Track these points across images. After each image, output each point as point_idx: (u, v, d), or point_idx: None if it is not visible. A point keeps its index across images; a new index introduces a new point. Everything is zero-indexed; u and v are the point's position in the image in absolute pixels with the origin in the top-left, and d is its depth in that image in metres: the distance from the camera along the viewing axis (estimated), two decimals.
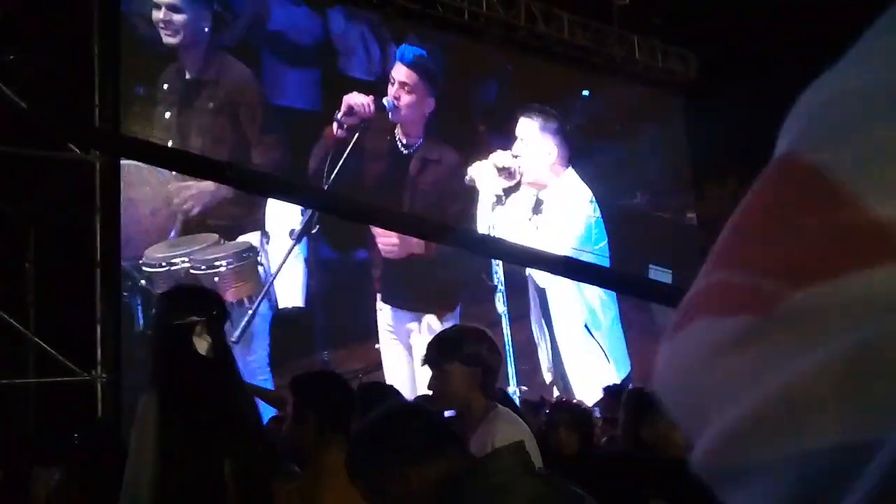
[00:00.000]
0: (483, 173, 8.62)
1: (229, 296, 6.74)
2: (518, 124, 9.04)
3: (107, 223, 6.88)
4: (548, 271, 5.17)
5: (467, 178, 8.62)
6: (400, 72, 8.40)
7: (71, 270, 6.96)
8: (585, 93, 10.24)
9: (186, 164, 1.99)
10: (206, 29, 7.73)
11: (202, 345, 2.49)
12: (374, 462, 1.70)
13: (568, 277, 7.65)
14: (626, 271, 7.69)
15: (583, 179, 9.28)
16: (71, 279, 6.99)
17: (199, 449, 2.27)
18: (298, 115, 8.18)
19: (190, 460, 2.24)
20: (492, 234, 7.83)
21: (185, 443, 2.26)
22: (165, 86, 7.53)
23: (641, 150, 10.02)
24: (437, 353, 2.78)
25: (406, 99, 8.32)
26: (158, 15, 7.41)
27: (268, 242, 7.42)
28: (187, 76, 7.64)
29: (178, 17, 7.48)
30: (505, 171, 8.67)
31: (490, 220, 8.53)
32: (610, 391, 5.98)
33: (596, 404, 6.35)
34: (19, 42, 6.79)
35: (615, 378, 8.49)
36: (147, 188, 7.17)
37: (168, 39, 7.47)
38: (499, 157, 8.75)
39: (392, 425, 1.78)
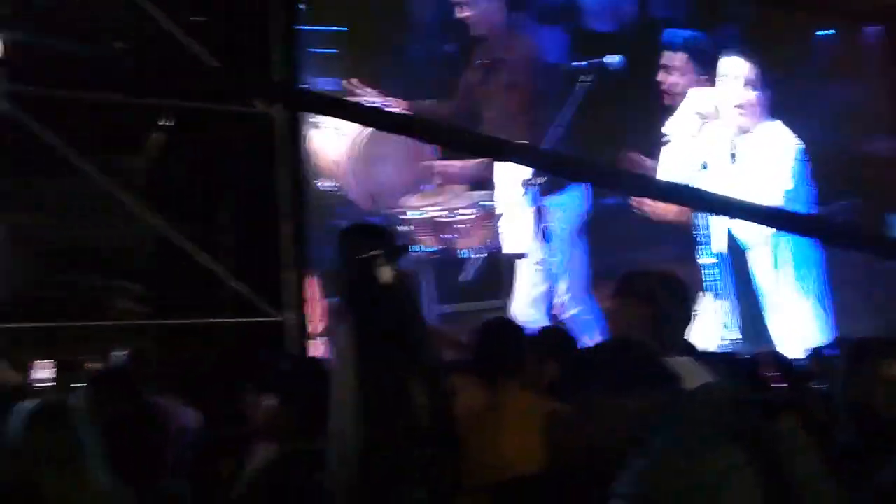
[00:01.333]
0: (682, 118, 8.22)
1: (469, 242, 7.41)
2: (721, 64, 8.43)
3: (291, 172, 7.34)
4: (757, 223, 4.98)
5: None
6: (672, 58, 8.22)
7: (263, 218, 7.48)
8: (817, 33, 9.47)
9: (367, 117, 2.07)
10: None
11: (385, 275, 2.67)
12: (589, 390, 1.77)
13: (781, 230, 7.27)
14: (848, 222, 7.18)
15: (796, 126, 8.50)
16: (263, 227, 7.51)
17: (393, 370, 2.44)
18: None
19: (385, 381, 2.42)
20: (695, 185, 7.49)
21: (379, 364, 2.45)
22: None
23: (861, 97, 9.19)
24: (618, 285, 2.81)
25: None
26: None
27: (500, 191, 7.67)
28: None
29: None
30: (704, 115, 8.19)
31: (690, 168, 8.15)
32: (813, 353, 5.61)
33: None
34: (210, 3, 7.30)
35: (817, 340, 7.84)
36: (395, 144, 7.74)
37: None
38: (699, 99, 8.23)
39: (609, 356, 1.85)
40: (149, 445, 3.36)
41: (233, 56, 7.09)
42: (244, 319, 7.48)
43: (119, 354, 6.24)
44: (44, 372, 6.01)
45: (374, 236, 2.96)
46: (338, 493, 2.46)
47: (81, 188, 7.13)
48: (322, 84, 8.16)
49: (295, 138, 7.36)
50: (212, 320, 7.51)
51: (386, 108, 7.40)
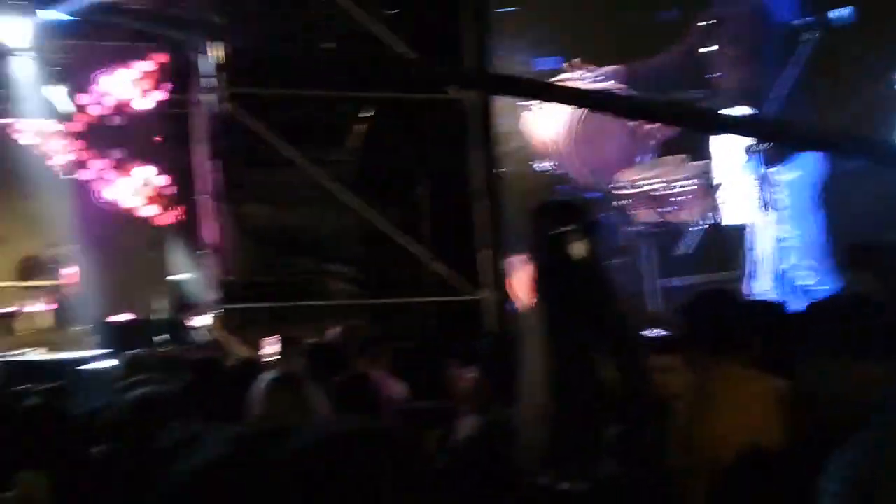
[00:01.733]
0: None
1: (689, 214, 7.18)
2: None
3: (483, 154, 7.51)
4: None
5: None
6: None
7: (458, 200, 7.72)
8: None
9: (551, 93, 2.09)
10: None
11: (577, 251, 2.65)
12: (816, 354, 1.59)
13: None
14: None
15: None
16: (459, 209, 7.75)
17: (581, 346, 2.45)
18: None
19: (573, 356, 2.44)
20: None
21: (567, 340, 2.46)
22: None
23: None
24: (850, 256, 2.62)
25: None
26: None
27: (718, 160, 7.38)
28: None
29: None
30: None
31: None
32: None
33: None
34: None
35: None
36: (614, 119, 7.67)
37: None
38: None
39: (842, 318, 1.61)
40: (360, 411, 3.60)
41: (425, 45, 7.38)
42: (444, 298, 7.83)
43: (333, 331, 6.78)
44: (271, 347, 6.67)
45: (566, 213, 2.93)
46: (530, 462, 2.53)
47: (297, 179, 7.78)
48: (543, 64, 8.15)
49: (486, 122, 7.51)
50: (414, 299, 7.94)
51: (588, 87, 7.27)
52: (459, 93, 7.43)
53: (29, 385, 3.88)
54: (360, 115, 8.23)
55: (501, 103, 7.76)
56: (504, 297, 7.47)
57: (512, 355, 3.06)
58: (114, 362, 6.67)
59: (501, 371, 3.14)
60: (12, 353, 7.99)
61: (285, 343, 7.50)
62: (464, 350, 4.14)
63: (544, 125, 7.83)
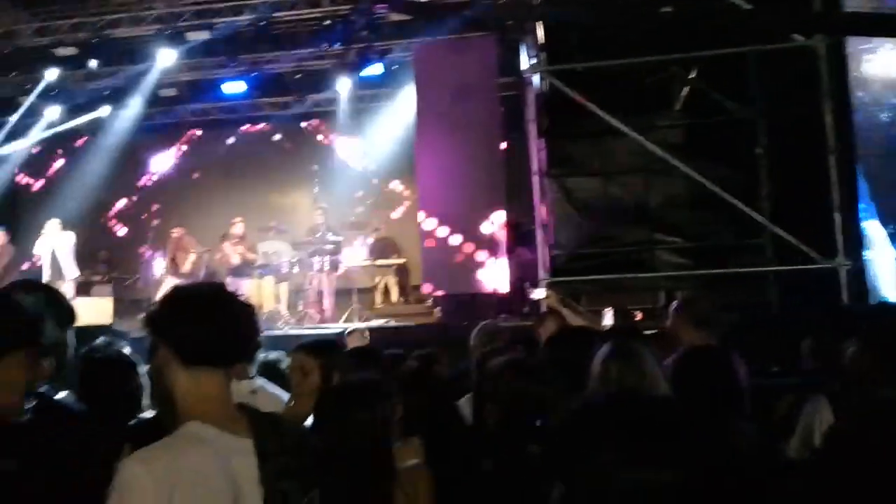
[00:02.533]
0: None
1: None
2: None
3: (837, 108, 6.74)
4: None
5: None
6: None
7: (802, 159, 7.04)
8: None
9: None
10: None
11: None
12: None
13: None
14: None
15: None
16: (803, 168, 7.07)
17: None
18: None
19: None
20: None
21: None
22: None
23: None
24: None
25: None
26: None
27: None
28: None
29: None
30: None
31: None
32: None
33: None
34: None
35: None
36: None
37: None
38: None
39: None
40: (707, 385, 3.44)
41: None
42: (787, 267, 7.21)
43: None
44: (606, 318, 6.70)
45: None
46: None
47: (623, 149, 7.68)
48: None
49: (839, 68, 6.69)
50: (753, 269, 7.42)
51: None
52: (809, 40, 6.71)
53: (398, 350, 4.27)
54: (685, 76, 7.86)
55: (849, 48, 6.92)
56: (860, 264, 6.68)
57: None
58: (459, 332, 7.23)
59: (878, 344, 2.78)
60: (376, 322, 8.97)
61: (618, 314, 7.52)
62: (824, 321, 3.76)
63: None
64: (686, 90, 7.85)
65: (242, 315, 1.64)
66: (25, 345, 1.63)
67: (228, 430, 1.57)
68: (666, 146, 7.47)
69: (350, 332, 5.73)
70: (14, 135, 12.38)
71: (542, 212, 7.94)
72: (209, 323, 1.59)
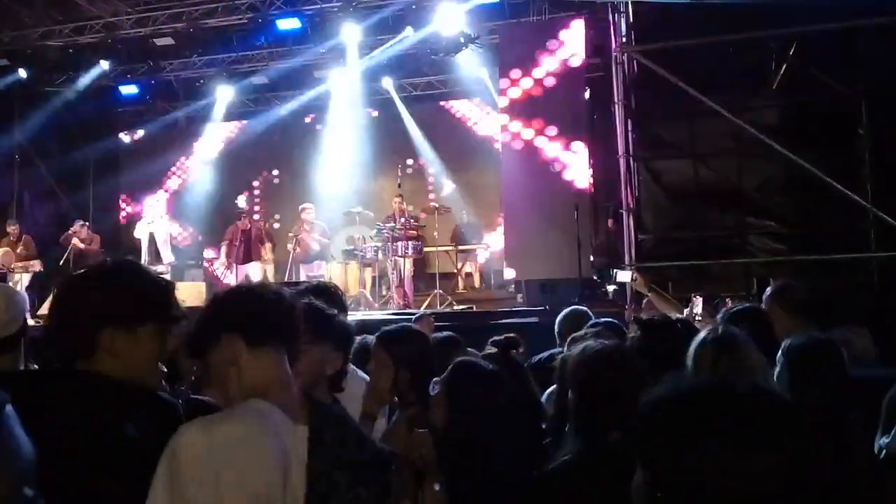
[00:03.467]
0: None
1: None
2: None
3: None
4: None
5: None
6: None
7: None
8: None
9: None
10: None
11: None
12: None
13: None
14: None
15: None
16: None
17: None
18: None
19: None
20: None
21: None
22: None
23: None
24: None
25: None
26: None
27: None
28: None
29: None
30: None
31: None
32: None
33: None
34: None
35: None
36: None
37: None
38: None
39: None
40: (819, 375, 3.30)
41: None
42: (892, 254, 6.83)
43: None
44: (696, 306, 6.49)
45: None
46: None
47: (715, 130, 7.42)
48: None
49: None
50: (854, 255, 7.07)
51: None
52: None
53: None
54: (782, 54, 7.52)
55: None
56: None
57: None
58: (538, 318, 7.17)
59: None
60: (459, 307, 9.00)
61: (710, 301, 7.28)
62: None
63: None
64: (784, 68, 7.51)
65: (291, 299, 1.72)
66: (157, 318, 1.68)
67: (288, 414, 1.60)
68: (761, 127, 7.17)
69: (418, 318, 5.76)
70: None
71: (628, 195, 7.76)
72: (269, 303, 1.66)
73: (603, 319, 4.20)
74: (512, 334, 4.03)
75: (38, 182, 12.87)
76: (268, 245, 10.66)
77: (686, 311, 5.80)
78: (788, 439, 1.00)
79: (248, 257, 10.24)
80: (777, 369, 3.01)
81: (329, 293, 2.89)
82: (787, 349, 3.18)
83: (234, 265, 10.23)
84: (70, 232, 10.64)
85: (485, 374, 2.58)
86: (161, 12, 11.15)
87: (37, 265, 10.27)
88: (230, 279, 10.66)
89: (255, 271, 10.05)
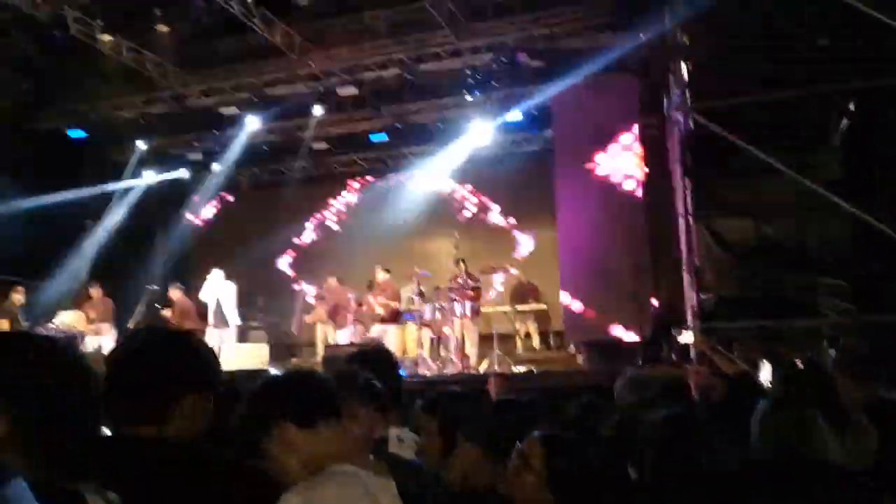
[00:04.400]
0: None
1: None
2: None
3: None
4: None
5: None
6: None
7: None
8: None
9: None
10: None
11: None
12: None
13: None
14: None
15: None
16: None
17: None
18: None
19: None
20: None
21: None
22: None
23: None
24: None
25: None
26: None
27: None
28: None
29: None
30: None
31: None
32: None
33: None
34: None
35: None
36: None
37: None
38: None
39: None
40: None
41: None
42: None
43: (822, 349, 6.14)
44: (760, 366, 6.30)
45: None
46: None
47: (776, 188, 7.30)
48: None
49: None
50: None
51: None
52: None
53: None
54: (843, 109, 7.42)
55: None
56: None
57: None
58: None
59: None
60: (518, 368, 8.91)
61: (775, 362, 7.05)
62: None
63: None
64: (845, 123, 7.40)
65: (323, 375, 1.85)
66: (201, 388, 1.74)
67: (370, 470, 1.67)
68: (824, 183, 7.04)
69: (489, 379, 5.73)
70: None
71: (688, 254, 7.66)
72: (314, 386, 1.77)
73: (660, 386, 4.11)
74: (590, 398, 3.90)
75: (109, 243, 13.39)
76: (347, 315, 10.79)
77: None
78: None
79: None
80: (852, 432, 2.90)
81: (378, 357, 2.94)
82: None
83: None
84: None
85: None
86: (226, 83, 11.65)
87: (105, 328, 10.51)
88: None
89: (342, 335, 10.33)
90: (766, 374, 6.50)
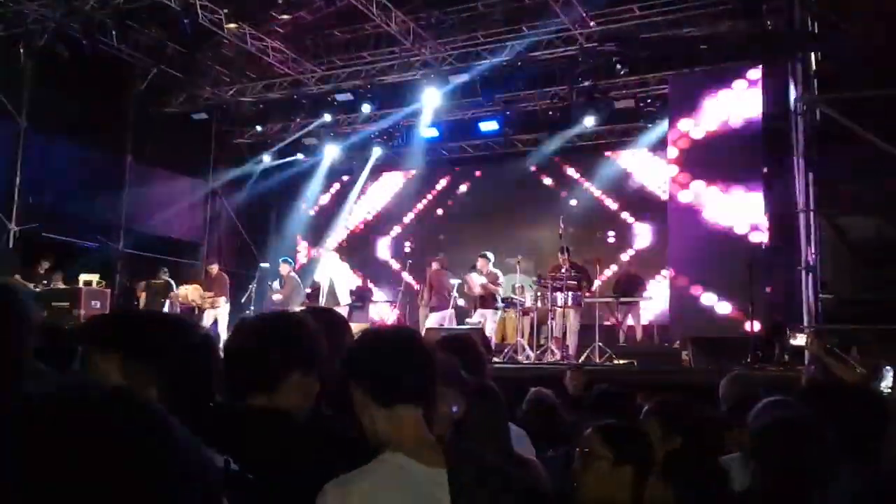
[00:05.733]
0: None
1: None
2: None
3: None
4: None
5: None
6: None
7: None
8: None
9: None
10: None
11: None
12: None
13: None
14: None
15: None
16: None
17: None
18: None
19: None
20: None
21: None
22: None
23: None
24: None
25: None
26: None
27: None
28: None
29: None
30: None
31: None
32: None
33: None
34: None
35: None
36: None
37: None
38: None
39: None
40: None
41: None
42: None
43: None
44: (886, 379, 5.90)
45: None
46: None
47: None
48: None
49: None
50: None
51: None
52: None
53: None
54: None
55: None
56: None
57: None
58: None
59: None
60: (620, 361, 8.76)
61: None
62: None
63: None
64: None
65: (426, 355, 1.74)
66: (301, 367, 1.77)
67: (422, 461, 1.62)
68: None
69: (568, 370, 5.64)
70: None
71: (808, 252, 7.28)
72: (400, 364, 1.69)
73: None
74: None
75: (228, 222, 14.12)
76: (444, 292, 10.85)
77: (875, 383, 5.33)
78: None
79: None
80: None
81: (463, 343, 2.99)
82: None
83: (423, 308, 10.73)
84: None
85: None
86: (342, 70, 11.94)
87: (220, 302, 11.03)
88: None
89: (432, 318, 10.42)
90: (887, 382, 6.10)
